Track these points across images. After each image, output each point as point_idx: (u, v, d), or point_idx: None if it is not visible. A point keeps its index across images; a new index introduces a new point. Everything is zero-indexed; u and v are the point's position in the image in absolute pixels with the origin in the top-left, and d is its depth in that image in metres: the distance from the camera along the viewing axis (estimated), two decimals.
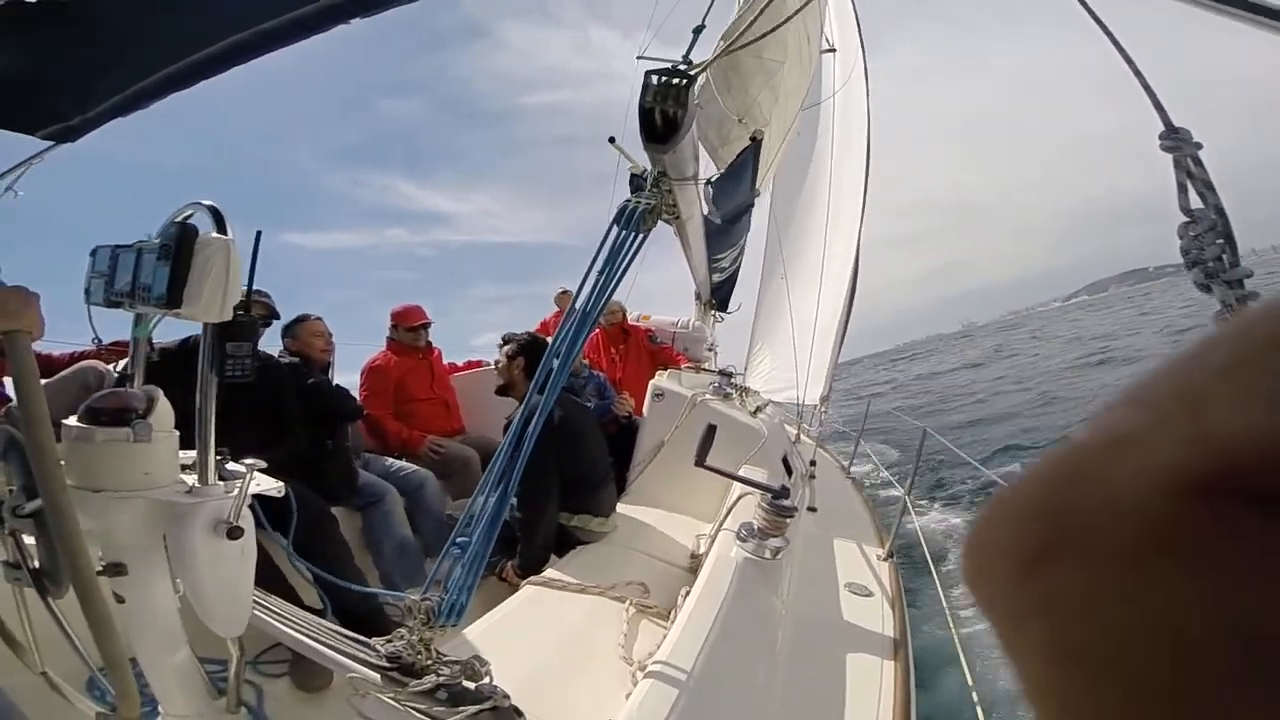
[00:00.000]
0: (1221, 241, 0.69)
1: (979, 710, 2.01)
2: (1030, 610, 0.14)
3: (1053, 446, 0.16)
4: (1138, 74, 0.85)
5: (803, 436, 5.11)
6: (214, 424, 1.23)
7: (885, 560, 2.84)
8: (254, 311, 2.50)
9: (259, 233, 1.29)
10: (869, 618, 2.23)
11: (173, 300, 1.09)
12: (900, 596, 2.47)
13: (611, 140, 1.56)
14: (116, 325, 1.46)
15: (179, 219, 1.19)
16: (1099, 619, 0.13)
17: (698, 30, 1.67)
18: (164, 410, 1.22)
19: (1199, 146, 0.74)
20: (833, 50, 7.24)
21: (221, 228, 1.15)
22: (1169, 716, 0.12)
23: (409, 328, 3.72)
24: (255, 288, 2.66)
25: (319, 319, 2.98)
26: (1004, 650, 0.15)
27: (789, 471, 3.31)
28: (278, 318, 2.75)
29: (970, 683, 2.10)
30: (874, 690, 1.79)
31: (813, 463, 4.08)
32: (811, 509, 3.25)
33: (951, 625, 2.40)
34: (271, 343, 2.87)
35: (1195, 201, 0.73)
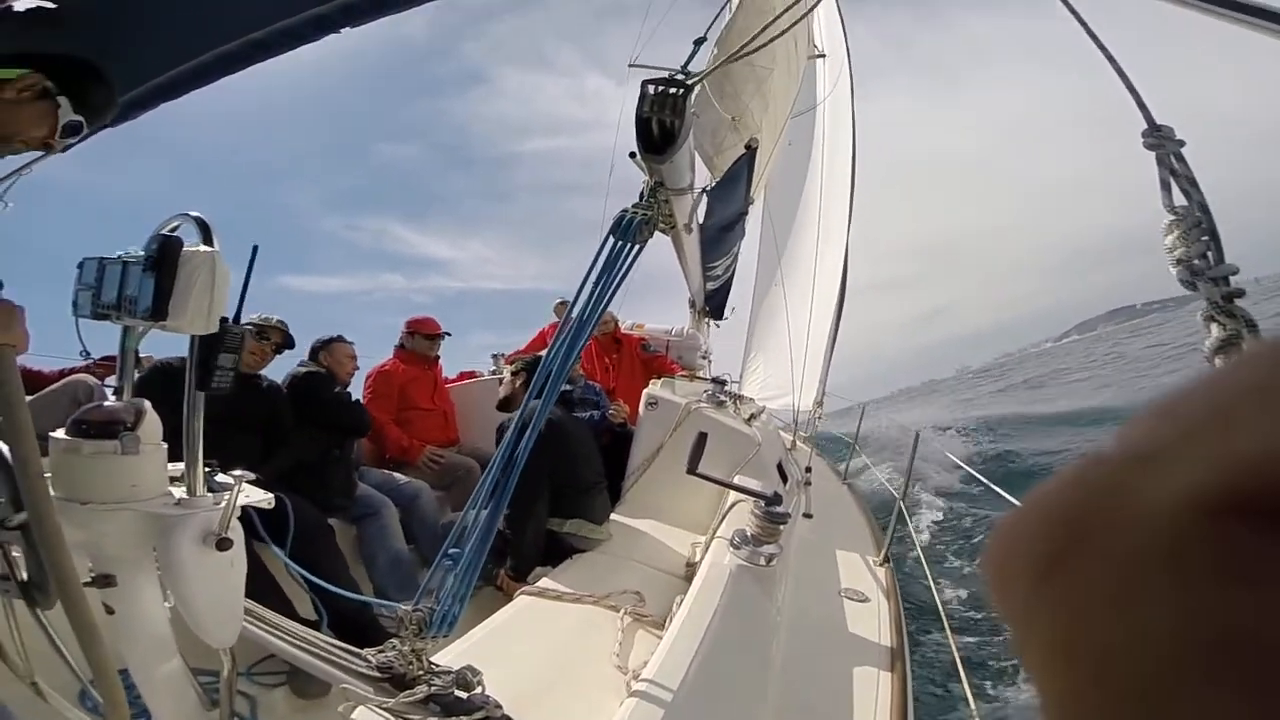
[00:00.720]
0: (1206, 239, 0.69)
1: (975, 716, 2.01)
2: (1042, 611, 0.15)
3: (1078, 458, 0.16)
4: (1119, 71, 0.86)
5: (798, 443, 5.11)
6: (202, 435, 1.22)
7: (882, 565, 2.84)
8: (272, 338, 2.57)
9: (255, 248, 1.29)
10: (866, 623, 2.23)
11: (158, 312, 1.09)
12: (897, 601, 2.47)
13: (632, 155, 1.56)
14: (110, 339, 1.46)
15: (165, 230, 1.18)
16: (1105, 622, 0.13)
17: (699, 42, 1.68)
18: (152, 423, 1.21)
19: (1182, 144, 0.75)
20: (821, 55, 7.32)
21: (208, 239, 1.15)
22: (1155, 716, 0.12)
23: (428, 335, 3.81)
24: (274, 316, 2.72)
25: (351, 342, 3.18)
26: (1018, 649, 0.16)
27: (784, 478, 3.31)
28: (292, 346, 2.81)
29: (966, 688, 2.10)
30: (871, 696, 1.79)
31: (808, 469, 4.08)
32: (807, 515, 3.24)
33: (948, 630, 2.40)
34: (287, 366, 2.99)
35: (1179, 199, 0.74)
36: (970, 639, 4.54)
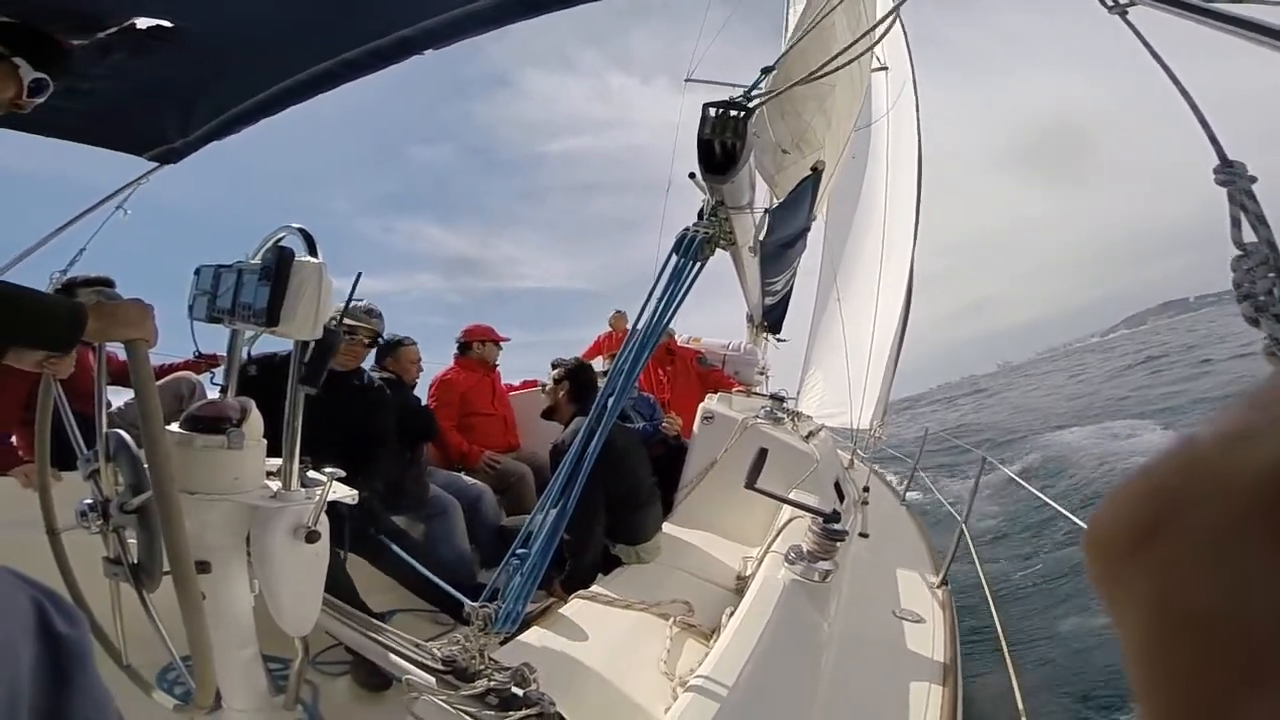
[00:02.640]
0: (1273, 275, 0.69)
1: None
2: (1138, 578, 0.16)
3: (1173, 439, 0.18)
4: (1193, 107, 0.86)
5: (856, 463, 5.03)
6: (300, 434, 1.32)
7: (939, 587, 2.77)
8: (360, 334, 2.64)
9: (359, 274, 1.39)
10: (919, 645, 2.19)
11: (271, 319, 1.18)
12: (953, 625, 2.41)
13: (692, 176, 1.61)
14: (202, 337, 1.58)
15: (274, 241, 1.29)
16: (1205, 581, 0.15)
17: (766, 70, 1.71)
18: (255, 420, 1.32)
19: (1253, 180, 0.75)
20: (884, 69, 7.21)
21: (313, 250, 1.25)
22: (1252, 672, 0.14)
23: (490, 341, 3.98)
24: (372, 308, 2.77)
25: (415, 344, 3.25)
26: (1113, 617, 0.17)
27: (841, 497, 3.27)
28: (381, 336, 2.86)
29: (1022, 710, 2.03)
30: (920, 716, 1.76)
31: (866, 489, 4.01)
32: (863, 535, 3.20)
33: (1008, 657, 2.32)
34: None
35: (1249, 235, 0.74)
36: (1031, 667, 4.35)
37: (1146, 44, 0.90)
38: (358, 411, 2.57)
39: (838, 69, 1.59)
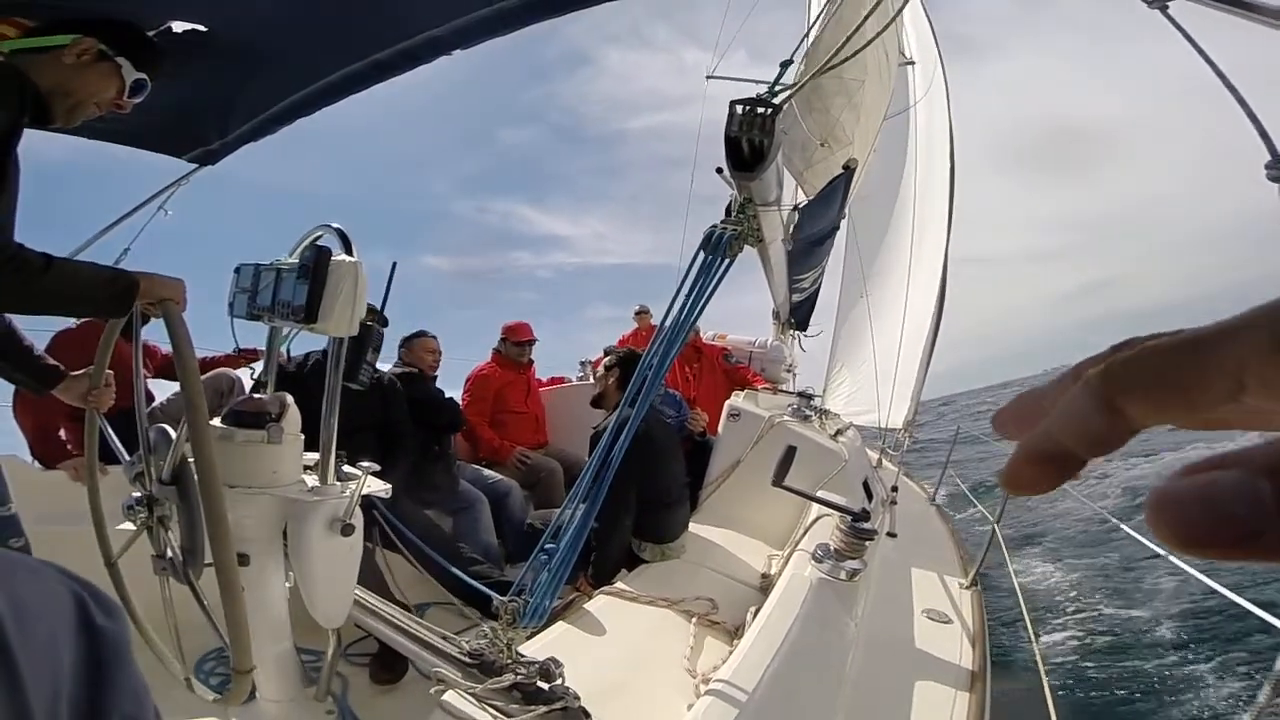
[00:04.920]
0: None
1: None
2: None
3: None
4: (1241, 103, 0.84)
5: (885, 462, 4.96)
6: (336, 429, 1.35)
7: (968, 589, 2.73)
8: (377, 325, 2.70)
9: (394, 264, 1.42)
10: (946, 646, 2.16)
11: (310, 316, 1.21)
12: (983, 627, 2.37)
13: (719, 171, 1.61)
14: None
15: (311, 240, 1.33)
16: None
17: (785, 64, 1.70)
18: (293, 415, 1.35)
19: None
20: (911, 63, 7.11)
21: (348, 249, 1.28)
22: None
23: (517, 342, 3.99)
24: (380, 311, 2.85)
25: (433, 337, 3.30)
26: None
27: (869, 496, 3.24)
28: (386, 323, 2.92)
29: (1053, 714, 2.00)
30: (947, 718, 1.74)
31: (894, 488, 3.97)
32: (891, 534, 3.16)
33: (1039, 660, 2.28)
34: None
35: None
36: (1061, 671, 4.28)
37: (1189, 38, 0.88)
38: (372, 407, 2.60)
39: (856, 53, 1.56)
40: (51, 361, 1.60)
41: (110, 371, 1.55)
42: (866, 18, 1.66)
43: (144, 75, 1.37)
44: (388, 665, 2.03)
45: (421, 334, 3.29)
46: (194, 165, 2.57)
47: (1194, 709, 3.84)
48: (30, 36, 1.29)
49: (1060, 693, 3.91)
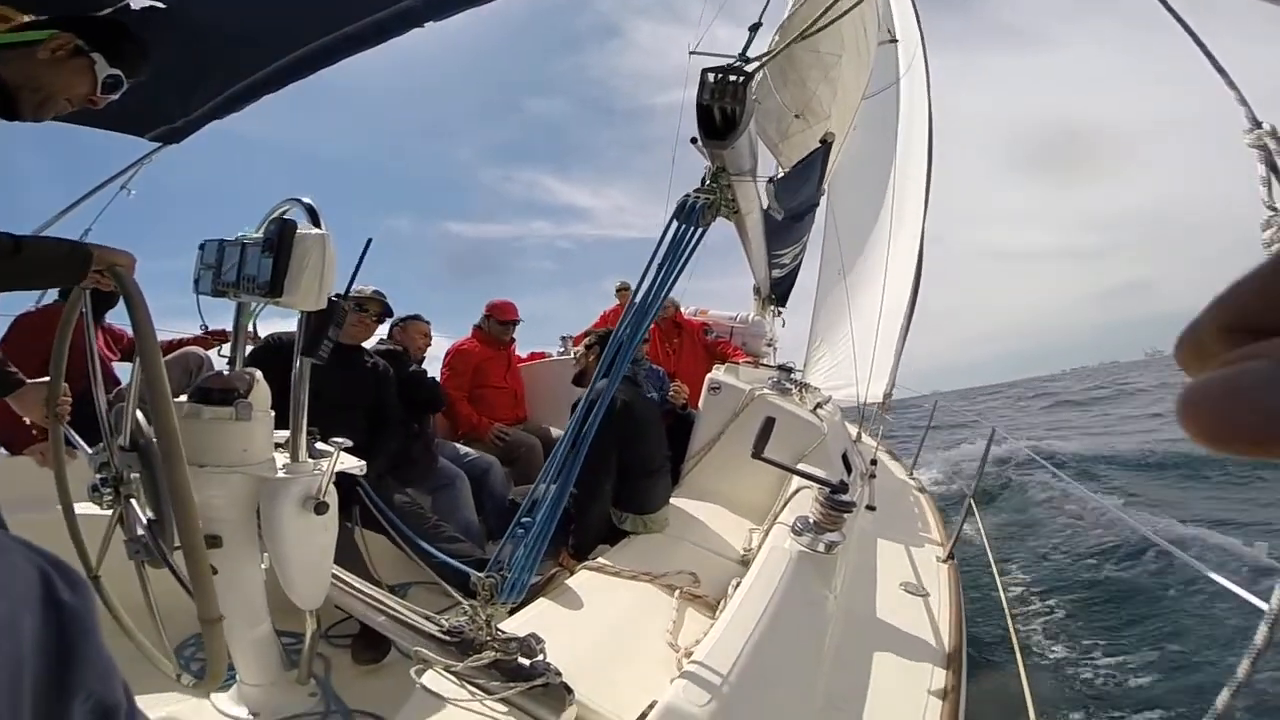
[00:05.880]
0: None
1: (1032, 713, 1.96)
2: None
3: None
4: (1219, 69, 0.84)
5: (864, 436, 5.02)
6: (306, 405, 1.33)
7: (945, 561, 2.78)
8: (371, 309, 2.69)
9: (369, 240, 1.39)
10: (924, 617, 2.20)
11: (275, 289, 1.18)
12: (959, 598, 2.42)
13: (694, 141, 1.59)
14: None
15: (278, 214, 1.29)
16: None
17: (754, 28, 1.68)
18: (262, 391, 1.32)
19: None
20: (894, 41, 7.08)
21: (315, 222, 1.24)
22: None
23: (502, 320, 3.97)
24: (375, 287, 2.84)
25: (427, 321, 3.36)
26: None
27: (848, 469, 3.27)
28: (391, 314, 2.93)
29: (1026, 686, 2.05)
30: (923, 690, 1.77)
31: (873, 462, 4.01)
32: (870, 508, 3.20)
33: (1011, 629, 2.34)
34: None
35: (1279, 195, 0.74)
36: (1036, 643, 4.39)
37: (1173, 12, 0.88)
38: (364, 386, 2.60)
39: (829, 24, 1.55)
40: (10, 368, 1.57)
41: (66, 384, 1.52)
42: None
43: (118, 71, 1.34)
44: (371, 644, 2.03)
45: (415, 317, 3.33)
46: (157, 144, 2.50)
47: (1173, 684, 3.94)
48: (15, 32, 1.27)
49: (1035, 664, 4.02)
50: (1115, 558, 6.03)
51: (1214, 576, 1.73)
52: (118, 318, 2.94)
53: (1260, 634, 0.84)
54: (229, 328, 1.60)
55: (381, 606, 1.52)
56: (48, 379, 1.51)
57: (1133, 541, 6.08)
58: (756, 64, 1.53)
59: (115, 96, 1.37)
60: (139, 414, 1.19)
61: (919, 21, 7.31)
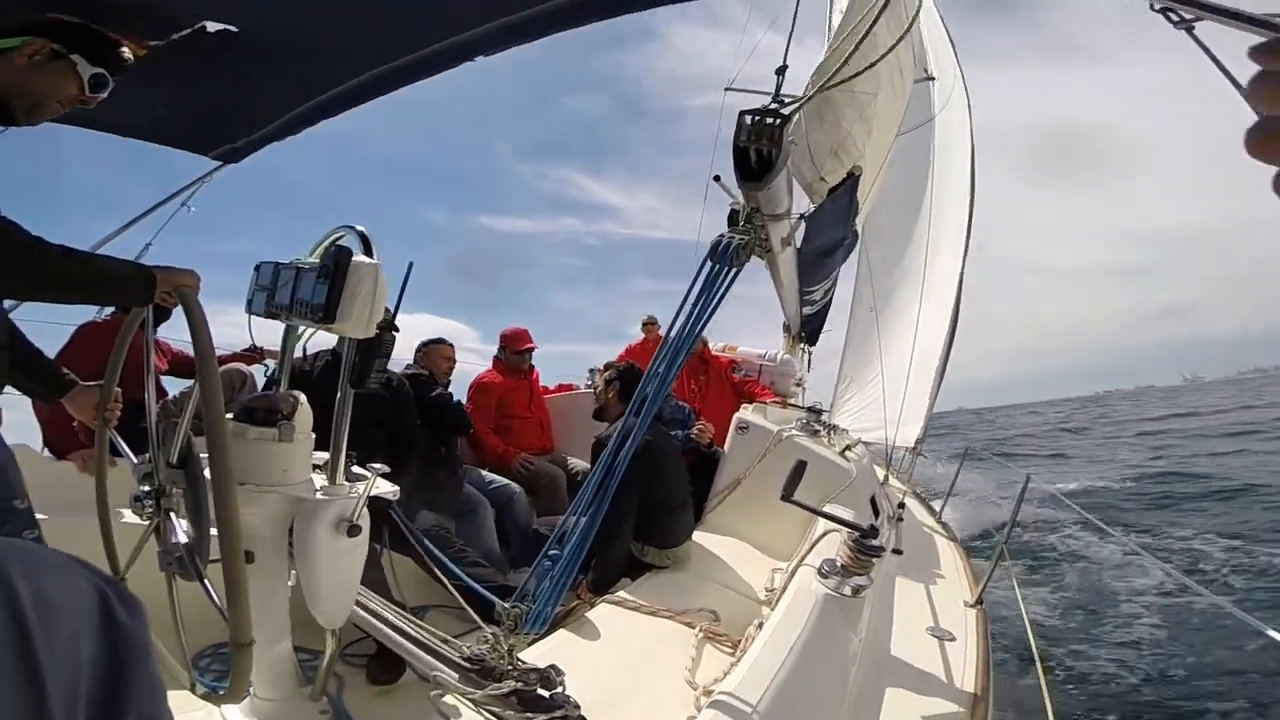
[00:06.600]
0: None
1: None
2: None
3: None
4: (1235, 84, 0.84)
5: (892, 479, 4.93)
6: (347, 430, 1.36)
7: (973, 607, 2.70)
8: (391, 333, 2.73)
9: (410, 264, 1.43)
10: (951, 663, 2.13)
11: (328, 316, 1.22)
12: (986, 644, 2.34)
13: (717, 179, 1.61)
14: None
15: (332, 240, 1.34)
16: None
17: (780, 71, 1.71)
18: (305, 414, 1.36)
19: None
20: (931, 79, 7.10)
21: (368, 251, 1.29)
22: None
23: (516, 350, 4.02)
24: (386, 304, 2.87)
25: (450, 345, 3.43)
26: None
27: (876, 513, 3.21)
28: (397, 330, 2.96)
29: None
30: None
31: (901, 505, 3.93)
32: (897, 551, 3.13)
33: (1042, 681, 2.25)
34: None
35: None
36: (1065, 693, 4.22)
37: (1215, 59, 0.88)
38: (382, 404, 2.63)
39: (867, 67, 1.57)
40: (62, 370, 1.64)
41: (119, 389, 1.58)
42: (870, 29, 1.67)
43: (102, 70, 1.38)
44: (388, 666, 2.03)
45: (439, 341, 3.40)
46: (218, 163, 2.62)
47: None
48: None
49: (1064, 712, 3.85)
50: (1147, 602, 5.82)
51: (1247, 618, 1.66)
52: (165, 330, 3.05)
53: None
54: (263, 345, 1.63)
55: (404, 629, 1.52)
56: (101, 382, 1.57)
57: (1165, 585, 5.88)
58: (793, 106, 1.55)
59: (104, 95, 1.41)
60: (190, 433, 1.23)
61: (957, 59, 7.34)
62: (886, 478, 4.77)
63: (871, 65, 1.63)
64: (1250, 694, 4.14)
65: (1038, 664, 2.36)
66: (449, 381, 3.40)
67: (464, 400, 3.82)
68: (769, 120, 1.50)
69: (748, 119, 1.51)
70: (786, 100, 1.60)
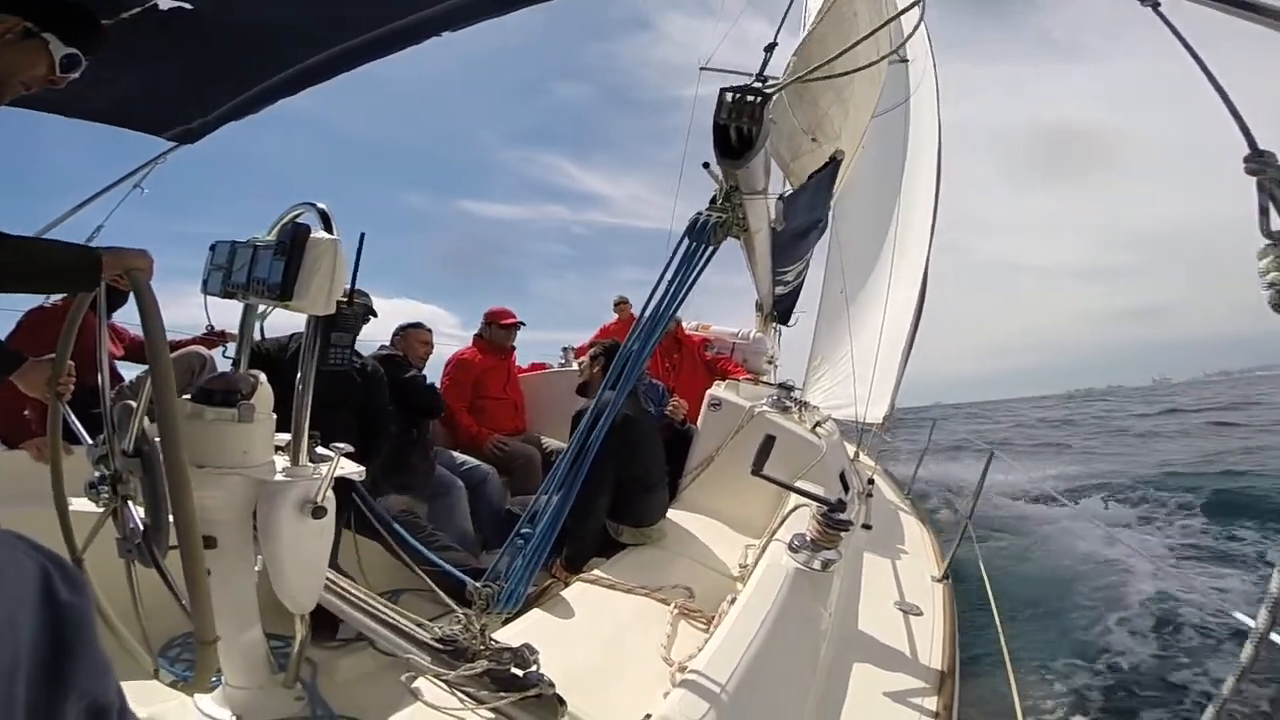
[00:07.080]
0: None
1: None
2: None
3: None
4: (1221, 94, 0.85)
5: (861, 455, 5.02)
6: (309, 409, 1.32)
7: (940, 581, 2.78)
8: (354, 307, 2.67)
9: (362, 235, 1.39)
10: (918, 637, 2.19)
11: (285, 293, 1.18)
12: (953, 619, 2.41)
13: (706, 166, 1.59)
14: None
15: (291, 218, 1.29)
16: None
17: (769, 48, 1.69)
18: (265, 394, 1.32)
19: None
20: (904, 60, 7.15)
21: (328, 227, 1.25)
22: None
23: (502, 325, 3.96)
24: (356, 288, 2.83)
25: (429, 330, 3.37)
26: None
27: (845, 488, 3.27)
28: (375, 315, 2.91)
29: (1017, 703, 2.04)
30: (916, 710, 1.77)
31: (870, 480, 4.01)
32: (866, 526, 3.20)
33: (1005, 652, 2.33)
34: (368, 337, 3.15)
35: (1276, 224, 0.75)
36: (1028, 663, 4.38)
37: (1179, 35, 0.89)
38: (352, 386, 2.58)
39: (846, 50, 1.56)
40: (9, 348, 1.57)
41: (72, 362, 1.52)
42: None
43: (75, 50, 1.31)
44: (323, 622, 1.99)
45: (417, 325, 3.34)
46: (173, 143, 2.52)
47: (1163, 703, 3.95)
48: None
49: (1027, 686, 4.00)
50: (1109, 582, 6.02)
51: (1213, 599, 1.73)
52: (121, 316, 2.94)
53: (1246, 653, 0.83)
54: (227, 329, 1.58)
55: (374, 612, 1.50)
56: (51, 357, 1.50)
57: (1127, 563, 6.09)
58: (776, 87, 1.54)
59: (75, 75, 1.34)
60: (145, 420, 1.18)
61: (930, 44, 7.39)
62: (857, 454, 4.86)
63: (851, 48, 1.61)
64: (1213, 666, 4.33)
65: (1001, 638, 2.43)
66: (423, 366, 3.34)
67: (438, 381, 3.78)
68: (750, 98, 1.49)
69: (729, 96, 1.50)
70: (769, 80, 1.59)
